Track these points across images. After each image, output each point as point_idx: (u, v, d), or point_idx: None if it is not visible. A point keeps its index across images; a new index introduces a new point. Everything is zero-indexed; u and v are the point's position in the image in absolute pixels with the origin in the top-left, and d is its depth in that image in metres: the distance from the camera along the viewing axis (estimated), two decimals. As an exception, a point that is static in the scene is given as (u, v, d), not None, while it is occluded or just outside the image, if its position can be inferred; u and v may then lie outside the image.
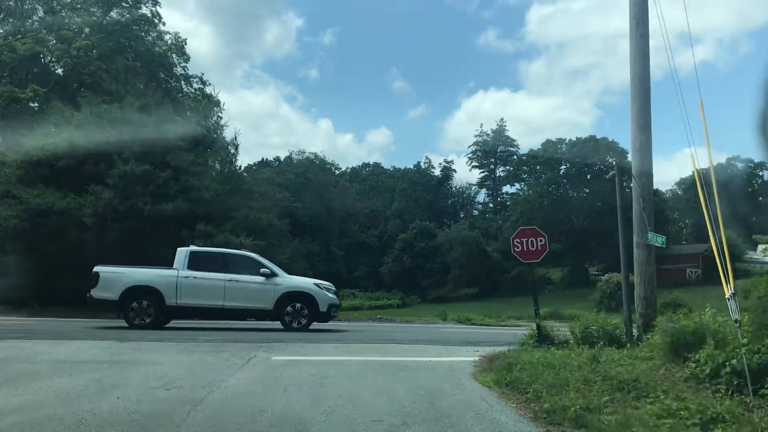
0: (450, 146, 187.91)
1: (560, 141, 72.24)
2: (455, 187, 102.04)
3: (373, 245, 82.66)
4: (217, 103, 29.45)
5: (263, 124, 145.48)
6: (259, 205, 30.64)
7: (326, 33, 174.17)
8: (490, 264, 71.16)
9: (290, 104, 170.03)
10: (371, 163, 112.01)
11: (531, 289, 17.09)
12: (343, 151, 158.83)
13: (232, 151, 26.41)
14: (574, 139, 71.22)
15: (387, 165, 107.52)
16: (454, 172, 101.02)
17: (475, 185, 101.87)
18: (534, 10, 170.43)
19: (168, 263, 15.63)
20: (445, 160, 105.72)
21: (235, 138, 26.73)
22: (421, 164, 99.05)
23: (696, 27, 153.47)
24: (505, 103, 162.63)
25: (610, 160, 69.01)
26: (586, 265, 72.10)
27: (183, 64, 30.35)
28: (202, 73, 32.65)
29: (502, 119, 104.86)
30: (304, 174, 79.75)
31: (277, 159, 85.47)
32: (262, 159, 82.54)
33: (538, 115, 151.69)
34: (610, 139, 68.54)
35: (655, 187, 11.47)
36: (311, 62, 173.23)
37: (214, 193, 24.07)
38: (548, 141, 72.68)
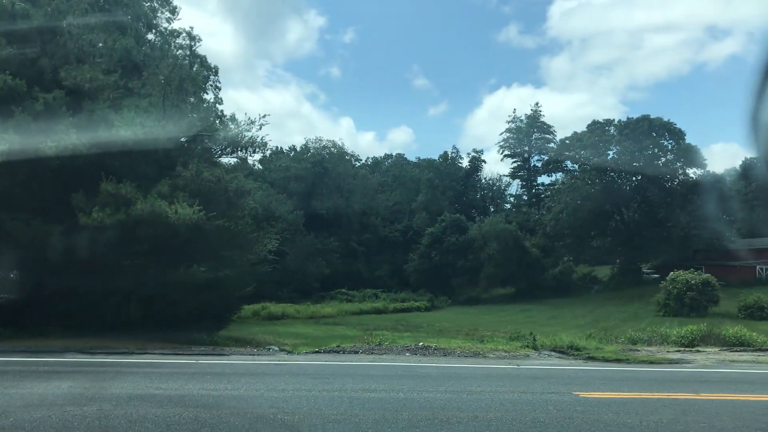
0: (472, 143, 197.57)
1: (608, 122, 68.83)
2: (485, 178, 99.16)
3: (397, 241, 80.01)
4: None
5: (285, 123, 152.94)
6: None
7: (347, 31, 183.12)
8: (529, 261, 68.12)
9: (312, 103, 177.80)
10: (393, 154, 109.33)
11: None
12: (364, 150, 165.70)
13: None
14: (625, 119, 67.78)
15: (410, 158, 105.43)
16: (483, 163, 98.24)
17: (506, 176, 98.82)
18: (556, 4, 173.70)
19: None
20: (474, 150, 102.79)
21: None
22: (449, 154, 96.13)
23: (724, 20, 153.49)
24: (527, 100, 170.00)
25: (665, 143, 65.61)
26: (638, 263, 68.60)
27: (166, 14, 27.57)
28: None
29: (537, 103, 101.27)
30: (321, 164, 77.17)
31: (293, 148, 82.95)
32: (277, 147, 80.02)
33: (562, 112, 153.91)
34: (666, 119, 64.92)
35: None
36: (332, 61, 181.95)
37: (143, 129, 17.20)
38: (595, 122, 69.32)
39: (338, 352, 16.15)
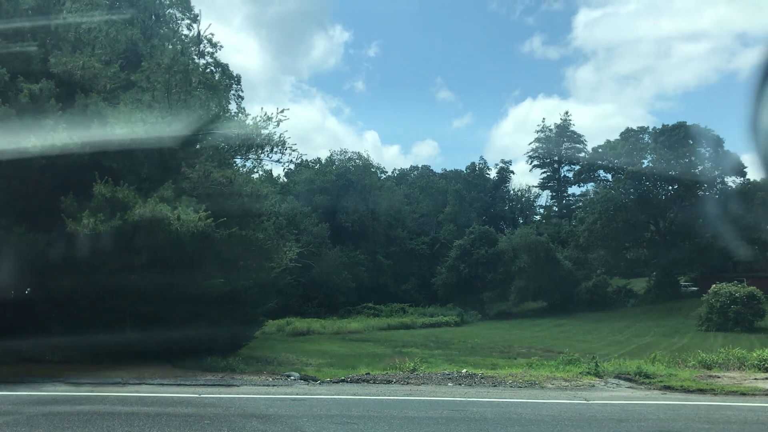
0: (498, 155, 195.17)
1: (642, 130, 65.67)
2: (513, 190, 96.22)
3: (424, 254, 77.21)
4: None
5: (310, 137, 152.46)
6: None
7: (372, 46, 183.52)
8: (561, 274, 64.94)
9: (337, 117, 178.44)
10: (419, 165, 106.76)
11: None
12: (390, 164, 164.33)
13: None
14: (660, 127, 64.54)
15: (436, 170, 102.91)
16: (511, 174, 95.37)
17: (535, 187, 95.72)
18: (581, 14, 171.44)
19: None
20: (503, 160, 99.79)
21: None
22: (476, 165, 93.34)
23: (755, 27, 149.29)
24: (553, 111, 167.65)
25: (703, 150, 62.26)
26: (676, 275, 65.05)
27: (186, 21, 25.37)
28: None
29: (566, 113, 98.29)
30: (346, 176, 74.87)
31: (318, 160, 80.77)
32: (301, 161, 77.90)
33: (589, 123, 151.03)
34: (703, 126, 61.64)
35: None
36: (357, 75, 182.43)
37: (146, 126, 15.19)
38: (628, 130, 66.20)
39: (368, 381, 13.45)
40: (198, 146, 17.74)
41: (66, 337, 15.44)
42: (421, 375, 14.09)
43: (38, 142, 13.65)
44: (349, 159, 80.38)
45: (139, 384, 12.44)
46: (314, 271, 59.69)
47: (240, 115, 24.65)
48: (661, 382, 14.13)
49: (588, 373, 14.98)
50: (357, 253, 69.11)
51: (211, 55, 38.56)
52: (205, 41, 35.79)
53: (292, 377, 14.96)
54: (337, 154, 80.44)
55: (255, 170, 19.95)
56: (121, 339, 15.80)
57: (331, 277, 62.30)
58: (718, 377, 15.31)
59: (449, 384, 13.21)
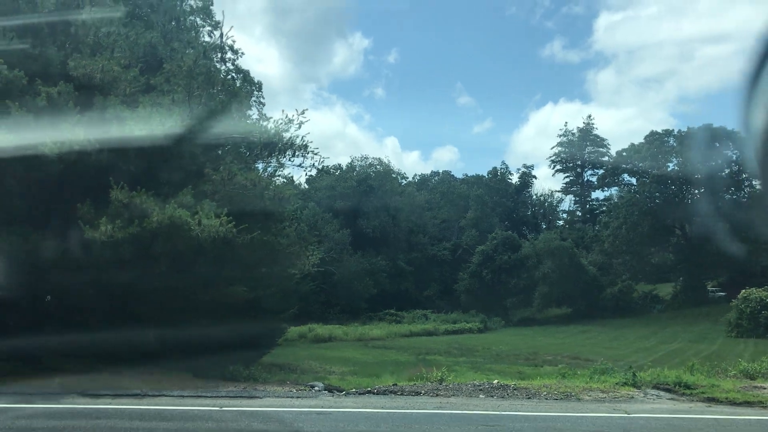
0: (519, 160, 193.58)
1: (667, 133, 64.44)
2: (536, 195, 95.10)
3: (446, 259, 76.42)
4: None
5: (331, 144, 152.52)
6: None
7: (391, 52, 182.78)
8: (586, 279, 63.83)
9: (357, 124, 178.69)
10: (440, 171, 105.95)
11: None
12: (410, 170, 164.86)
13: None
14: (685, 129, 63.35)
15: (457, 175, 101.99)
16: (533, 179, 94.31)
17: (558, 191, 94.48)
18: (601, 18, 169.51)
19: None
20: (525, 165, 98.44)
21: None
22: (498, 170, 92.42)
23: None
24: (575, 115, 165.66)
25: (730, 153, 60.89)
26: (703, 280, 63.64)
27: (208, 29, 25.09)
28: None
29: (589, 116, 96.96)
30: (367, 182, 74.42)
31: (338, 166, 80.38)
32: (323, 166, 77.53)
33: (611, 127, 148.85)
34: (729, 128, 60.27)
35: None
36: (377, 81, 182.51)
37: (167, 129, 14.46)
38: (653, 133, 65.02)
39: (395, 393, 12.84)
40: (219, 151, 17.31)
41: (85, 346, 15.03)
42: (450, 386, 13.44)
43: (55, 146, 13.27)
44: (370, 165, 80.00)
45: (159, 396, 11.94)
46: (335, 278, 59.25)
47: (261, 122, 24.25)
48: (703, 393, 13.36)
49: (625, 383, 14.23)
50: (378, 259, 68.56)
51: (233, 62, 38.35)
52: (227, 48, 35.63)
53: (316, 388, 14.40)
54: (358, 160, 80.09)
55: (277, 174, 19.46)
56: (140, 347, 15.36)
57: (352, 283, 61.81)
58: (764, 388, 14.50)
59: (481, 396, 12.56)
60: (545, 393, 12.79)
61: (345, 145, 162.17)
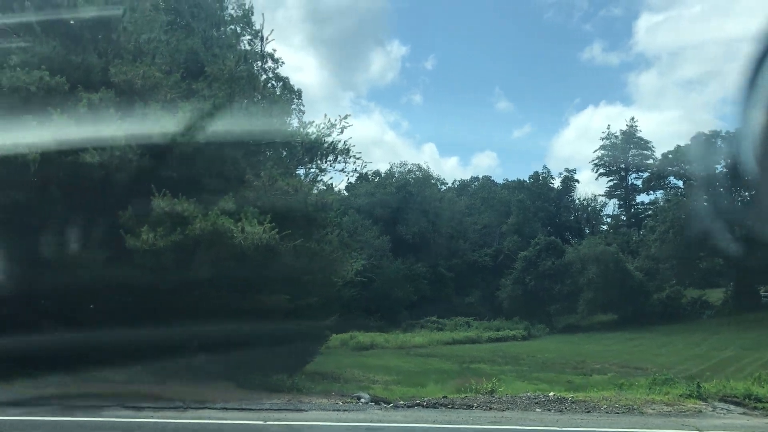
0: (560, 165, 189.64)
1: (715, 134, 62.62)
2: (578, 199, 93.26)
3: (487, 266, 75.35)
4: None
5: (369, 151, 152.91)
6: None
7: (429, 58, 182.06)
8: (632, 285, 62.17)
9: (395, 131, 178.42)
10: (480, 176, 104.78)
11: None
12: (448, 176, 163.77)
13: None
14: (732, 131, 61.32)
15: (497, 180, 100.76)
16: (576, 183, 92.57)
17: (602, 196, 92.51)
18: (642, 19, 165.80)
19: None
20: (566, 169, 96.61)
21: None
22: (539, 174, 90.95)
23: None
24: (616, 118, 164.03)
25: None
26: (755, 285, 61.47)
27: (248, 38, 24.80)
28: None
29: (632, 118, 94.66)
30: (406, 188, 73.94)
31: (377, 173, 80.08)
32: (361, 174, 77.47)
33: (654, 129, 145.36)
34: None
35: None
36: (414, 88, 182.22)
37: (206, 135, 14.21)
38: (700, 134, 63.25)
39: (446, 406, 12.22)
40: (260, 156, 17.00)
41: (125, 355, 14.80)
42: (503, 398, 12.78)
43: (97, 153, 13.07)
44: (409, 171, 79.50)
45: (202, 408, 11.55)
46: (376, 285, 58.81)
47: (302, 129, 23.95)
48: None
49: (689, 395, 13.35)
50: (418, 265, 67.92)
51: (273, 70, 38.30)
52: (267, 57, 35.54)
53: (362, 399, 13.88)
54: (397, 167, 79.66)
55: (318, 180, 19.08)
56: (183, 357, 15.08)
57: (392, 290, 61.31)
58: None
59: (537, 409, 11.87)
60: (605, 406, 12.05)
61: (383, 152, 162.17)
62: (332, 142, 17.22)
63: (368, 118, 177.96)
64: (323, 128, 17.20)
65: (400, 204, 72.14)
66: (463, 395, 13.81)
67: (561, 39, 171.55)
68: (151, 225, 13.05)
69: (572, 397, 12.92)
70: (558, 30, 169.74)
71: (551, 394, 13.35)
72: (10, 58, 13.66)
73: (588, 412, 11.72)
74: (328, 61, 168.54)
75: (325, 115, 17.57)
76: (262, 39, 17.11)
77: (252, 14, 37.89)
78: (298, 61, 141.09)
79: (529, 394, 13.58)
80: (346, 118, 16.83)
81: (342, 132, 17.04)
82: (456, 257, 74.88)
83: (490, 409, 11.85)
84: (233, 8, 35.08)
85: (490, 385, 15.42)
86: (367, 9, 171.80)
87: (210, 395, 12.92)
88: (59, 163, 12.94)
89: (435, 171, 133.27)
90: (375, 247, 61.74)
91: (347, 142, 17.31)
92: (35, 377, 13.87)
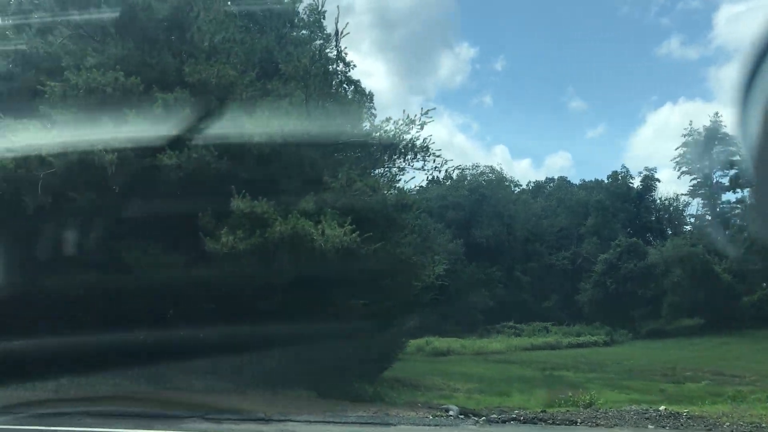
0: (638, 164, 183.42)
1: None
2: (660, 198, 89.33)
3: (566, 269, 72.98)
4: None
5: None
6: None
7: (498, 59, 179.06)
8: (720, 288, 58.87)
9: (465, 133, 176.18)
10: (555, 177, 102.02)
11: None
12: (522, 178, 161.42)
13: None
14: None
15: (574, 181, 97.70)
16: (657, 182, 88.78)
17: (685, 195, 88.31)
18: (722, 10, 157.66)
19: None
20: (646, 168, 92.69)
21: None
22: (618, 174, 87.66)
23: None
24: (696, 114, 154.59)
25: None
26: None
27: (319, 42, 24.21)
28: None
29: (716, 114, 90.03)
30: (479, 190, 72.52)
31: (449, 176, 78.91)
32: (432, 178, 76.54)
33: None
34: None
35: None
36: (484, 90, 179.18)
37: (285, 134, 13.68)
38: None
39: (545, 421, 11.19)
40: (337, 156, 16.38)
41: (206, 362, 14.39)
42: (610, 414, 11.61)
43: (174, 155, 12.67)
44: (482, 173, 78.01)
45: (285, 420, 10.89)
46: (450, 289, 57.68)
47: (375, 132, 23.17)
48: None
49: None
50: (493, 269, 66.35)
51: (344, 73, 37.88)
52: (339, 60, 35.14)
53: (451, 412, 12.98)
54: (469, 169, 78.26)
55: (397, 180, 18.25)
56: (261, 364, 14.55)
57: (468, 294, 60.05)
58: None
59: (649, 426, 10.68)
60: (728, 423, 10.74)
61: (454, 155, 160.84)
62: (411, 139, 16.40)
63: (438, 122, 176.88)
64: (401, 125, 16.39)
65: (474, 207, 70.72)
66: (564, 409, 12.74)
67: (637, 34, 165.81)
68: (230, 227, 12.56)
69: (687, 412, 11.63)
70: (633, 25, 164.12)
71: (662, 408, 12.09)
72: (85, 60, 13.43)
73: (709, 429, 10.46)
74: (397, 66, 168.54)
75: (404, 111, 16.80)
76: (338, 34, 16.36)
77: (324, 18, 37.67)
78: (366, 66, 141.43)
79: (634, 407, 12.39)
80: (427, 113, 15.99)
81: (422, 128, 16.21)
82: (532, 260, 72.88)
83: (597, 425, 10.74)
84: (305, 13, 34.93)
85: (588, 397, 14.30)
86: (435, 12, 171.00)
87: (292, 406, 12.30)
88: (136, 164, 12.62)
89: (508, 173, 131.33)
90: (449, 251, 60.56)
91: (427, 139, 16.45)
92: (115, 384, 13.60)
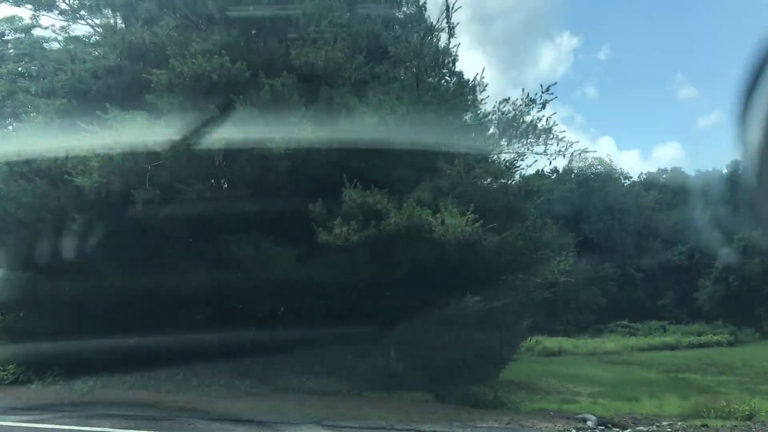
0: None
1: None
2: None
3: (682, 265, 68.58)
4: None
5: None
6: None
7: (602, 48, 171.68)
8: None
9: (568, 126, 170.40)
10: (668, 168, 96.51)
11: None
12: (631, 170, 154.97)
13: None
14: None
15: (689, 172, 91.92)
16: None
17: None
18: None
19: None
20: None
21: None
22: (739, 164, 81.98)
23: None
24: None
25: None
26: None
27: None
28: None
29: None
30: (587, 183, 69.41)
31: (555, 170, 76.03)
32: (537, 171, 73.94)
33: None
34: None
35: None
36: (587, 80, 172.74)
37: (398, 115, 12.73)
38: None
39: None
40: (451, 141, 15.19)
41: (316, 360, 13.59)
42: None
43: (283, 143, 11.88)
44: (590, 165, 74.63)
45: (409, 429, 9.83)
46: (559, 286, 55.33)
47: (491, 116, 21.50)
48: None
49: None
50: (605, 266, 63.18)
51: (446, 65, 36.85)
52: (441, 54, 34.14)
53: (589, 422, 11.56)
54: (576, 161, 75.07)
55: (518, 166, 16.73)
56: (374, 364, 13.58)
57: (578, 292, 57.38)
58: None
59: None
60: None
61: (557, 149, 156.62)
62: (531, 120, 14.93)
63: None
64: (521, 106, 14.96)
65: (582, 200, 67.68)
66: (720, 422, 11.03)
67: (749, 13, 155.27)
68: (343, 218, 11.61)
69: None
70: (744, 3, 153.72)
71: None
72: (190, 47, 12.88)
73: None
74: (497, 60, 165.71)
75: (523, 90, 15.31)
76: (448, 9, 15.13)
77: (425, 10, 36.62)
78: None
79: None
80: (548, 90, 14.47)
81: (544, 107, 14.70)
82: (646, 256, 68.88)
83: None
84: (406, 5, 34.04)
85: (746, 407, 12.47)
86: (534, 2, 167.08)
87: (414, 414, 11.22)
88: (244, 154, 11.92)
89: (616, 164, 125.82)
90: (559, 246, 58.26)
91: (549, 120, 14.92)
92: (226, 384, 13.01)
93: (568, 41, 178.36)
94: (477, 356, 16.93)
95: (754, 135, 2.08)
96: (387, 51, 15.84)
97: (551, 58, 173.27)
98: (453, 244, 11.71)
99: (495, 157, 15.89)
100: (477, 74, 15.62)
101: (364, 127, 12.56)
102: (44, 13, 21.49)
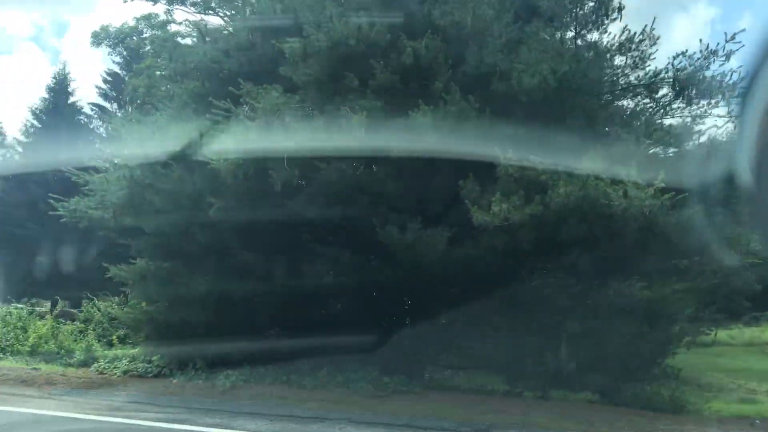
0: None
1: None
2: None
3: None
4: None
5: None
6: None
7: (743, 16, 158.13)
8: None
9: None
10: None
11: None
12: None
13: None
14: None
15: None
16: None
17: None
18: None
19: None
20: None
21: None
22: None
23: None
24: None
25: None
26: None
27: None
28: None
29: None
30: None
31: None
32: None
33: None
34: None
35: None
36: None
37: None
38: None
39: None
40: (619, 103, 13.22)
41: (474, 359, 12.14)
42: None
43: (428, 110, 10.43)
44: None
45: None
46: (707, 272, 50.92)
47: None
48: None
49: None
50: (758, 248, 57.70)
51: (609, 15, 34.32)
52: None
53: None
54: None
55: (697, 130, 14.39)
56: (542, 363, 11.92)
57: (729, 278, 52.54)
58: None
59: None
60: None
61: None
62: (712, 76, 12.66)
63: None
64: (698, 59, 12.69)
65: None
66: None
67: None
68: (502, 193, 10.00)
69: None
70: None
71: None
72: (324, 12, 11.68)
73: None
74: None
75: (701, 41, 13.07)
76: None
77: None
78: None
79: None
80: (733, 38, 12.12)
81: (728, 59, 12.38)
82: (806, 237, 62.49)
83: None
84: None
85: None
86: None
87: (581, 417, 9.52)
88: (386, 124, 10.57)
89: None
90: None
91: (734, 75, 12.57)
92: (376, 382, 11.82)
93: (704, 12, 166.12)
94: (648, 351, 14.89)
95: (753, 131, 1.99)
96: (536, 9, 13.97)
97: (685, 31, 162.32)
98: (635, 221, 9.81)
99: (670, 121, 13.66)
100: (646, 26, 13.07)
101: (522, 87, 10.90)
102: (177, 6, 21.54)
